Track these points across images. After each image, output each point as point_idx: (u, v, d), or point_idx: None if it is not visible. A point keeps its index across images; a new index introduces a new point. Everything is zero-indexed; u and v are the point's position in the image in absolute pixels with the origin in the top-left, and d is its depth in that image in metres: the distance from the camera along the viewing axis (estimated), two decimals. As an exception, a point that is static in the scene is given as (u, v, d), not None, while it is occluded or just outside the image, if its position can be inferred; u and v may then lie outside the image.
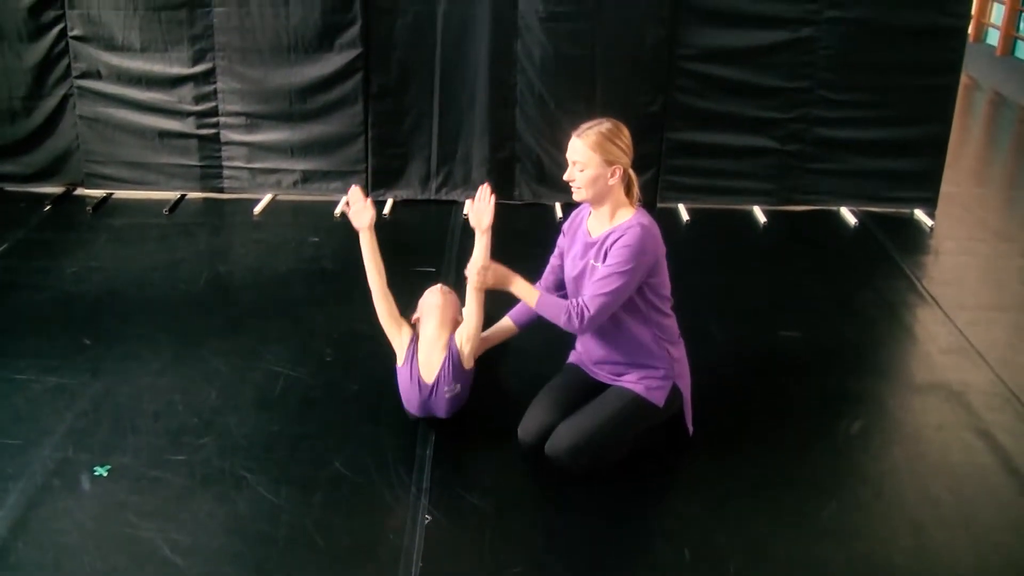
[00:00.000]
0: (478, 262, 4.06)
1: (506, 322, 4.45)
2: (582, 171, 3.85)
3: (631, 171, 3.93)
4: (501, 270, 4.05)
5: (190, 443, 4.17)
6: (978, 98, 10.80)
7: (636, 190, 3.98)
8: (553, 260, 4.27)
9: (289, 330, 5.15)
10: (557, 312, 3.89)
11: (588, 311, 3.80)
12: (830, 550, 3.62)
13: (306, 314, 5.32)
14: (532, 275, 4.13)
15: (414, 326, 4.35)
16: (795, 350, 5.06)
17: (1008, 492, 3.98)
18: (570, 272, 4.07)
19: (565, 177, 3.93)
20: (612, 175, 3.84)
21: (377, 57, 6.68)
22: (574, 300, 3.86)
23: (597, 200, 3.92)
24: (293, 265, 5.99)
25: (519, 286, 4.02)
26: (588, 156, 3.82)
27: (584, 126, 3.86)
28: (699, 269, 5.95)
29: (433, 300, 4.43)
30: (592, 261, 3.92)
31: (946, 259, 6.37)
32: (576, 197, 3.93)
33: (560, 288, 4.23)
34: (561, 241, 4.22)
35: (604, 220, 3.95)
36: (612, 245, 3.82)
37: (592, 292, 3.83)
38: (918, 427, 4.45)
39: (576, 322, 3.84)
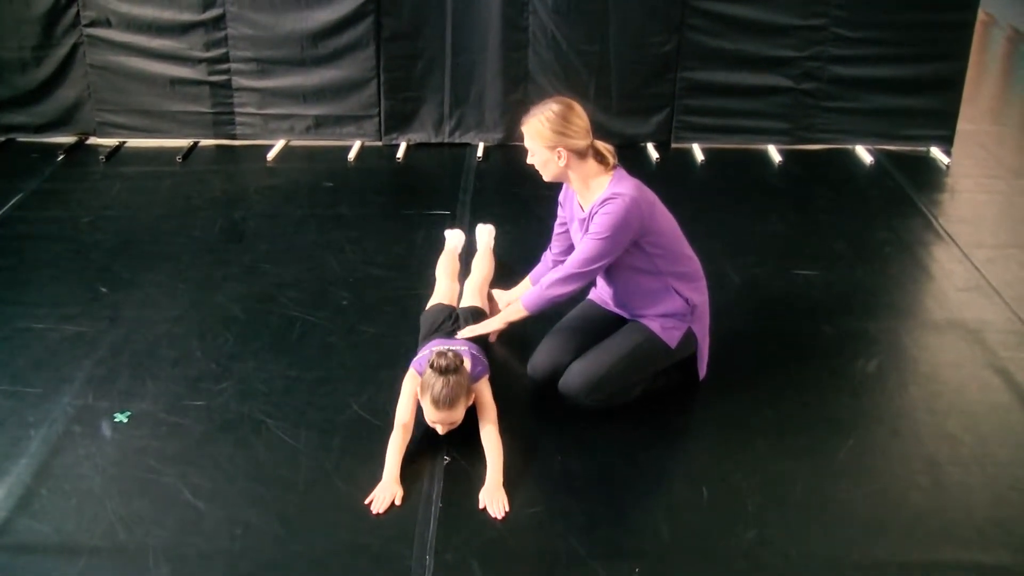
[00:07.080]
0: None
1: (527, 285, 4.38)
2: (532, 156, 3.87)
3: (596, 142, 3.85)
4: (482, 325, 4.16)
5: (209, 389, 4.20)
6: (995, 35, 10.66)
7: (609, 156, 3.87)
8: (557, 228, 4.24)
9: (305, 275, 5.15)
10: (546, 297, 3.95)
11: (570, 272, 3.87)
12: (847, 488, 3.63)
13: (322, 259, 5.33)
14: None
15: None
16: (811, 289, 5.05)
17: (1025, 429, 3.99)
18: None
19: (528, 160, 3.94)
20: (559, 157, 3.80)
21: (388, 0, 6.63)
22: (553, 273, 3.95)
23: (561, 179, 3.92)
24: (308, 210, 5.98)
25: (507, 317, 4.13)
26: (530, 143, 3.85)
27: (532, 110, 3.85)
28: (714, 209, 5.92)
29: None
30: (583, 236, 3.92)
31: (963, 197, 6.33)
32: (544, 178, 3.96)
33: (572, 251, 4.16)
34: (561, 213, 4.19)
35: (586, 193, 3.91)
36: (595, 215, 3.81)
37: (572, 257, 3.89)
38: (935, 366, 4.45)
39: (568, 288, 3.90)
